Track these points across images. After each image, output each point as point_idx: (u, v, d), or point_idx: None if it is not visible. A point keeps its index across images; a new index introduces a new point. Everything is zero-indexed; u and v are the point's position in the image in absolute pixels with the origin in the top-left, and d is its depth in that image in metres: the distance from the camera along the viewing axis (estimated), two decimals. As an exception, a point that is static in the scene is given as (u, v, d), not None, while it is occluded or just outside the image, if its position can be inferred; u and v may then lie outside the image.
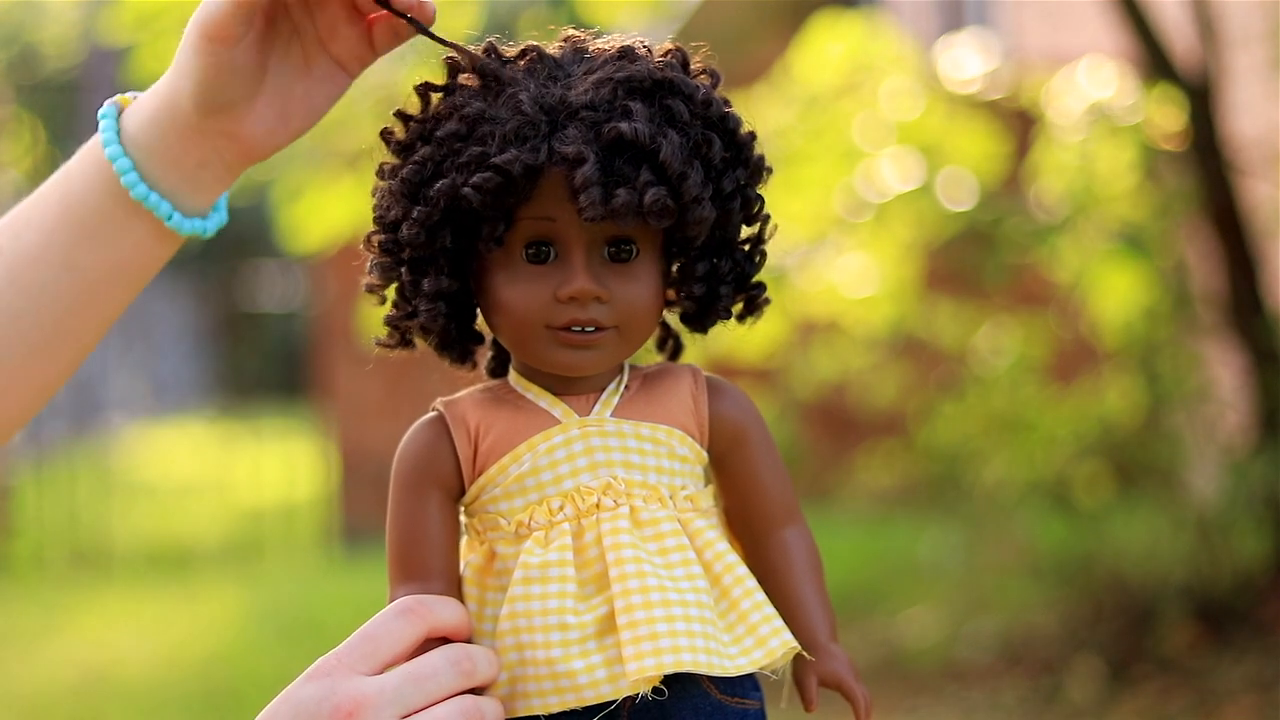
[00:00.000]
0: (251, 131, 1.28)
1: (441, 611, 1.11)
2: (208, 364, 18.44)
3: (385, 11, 1.23)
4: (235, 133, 1.28)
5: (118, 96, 1.30)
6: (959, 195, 4.96)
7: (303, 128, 1.31)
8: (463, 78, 1.17)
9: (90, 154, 1.30)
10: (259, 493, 9.64)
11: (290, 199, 5.13)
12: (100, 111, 1.29)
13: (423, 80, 1.18)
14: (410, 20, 1.21)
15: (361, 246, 1.22)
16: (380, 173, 1.18)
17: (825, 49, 5.06)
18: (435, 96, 1.17)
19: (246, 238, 13.54)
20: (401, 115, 1.18)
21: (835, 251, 5.07)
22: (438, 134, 1.13)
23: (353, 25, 1.27)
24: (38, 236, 1.30)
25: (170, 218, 1.28)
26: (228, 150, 1.29)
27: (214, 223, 1.33)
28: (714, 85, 1.17)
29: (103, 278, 1.30)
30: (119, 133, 1.28)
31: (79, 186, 1.29)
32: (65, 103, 16.75)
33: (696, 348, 1.31)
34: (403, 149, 1.16)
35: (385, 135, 1.18)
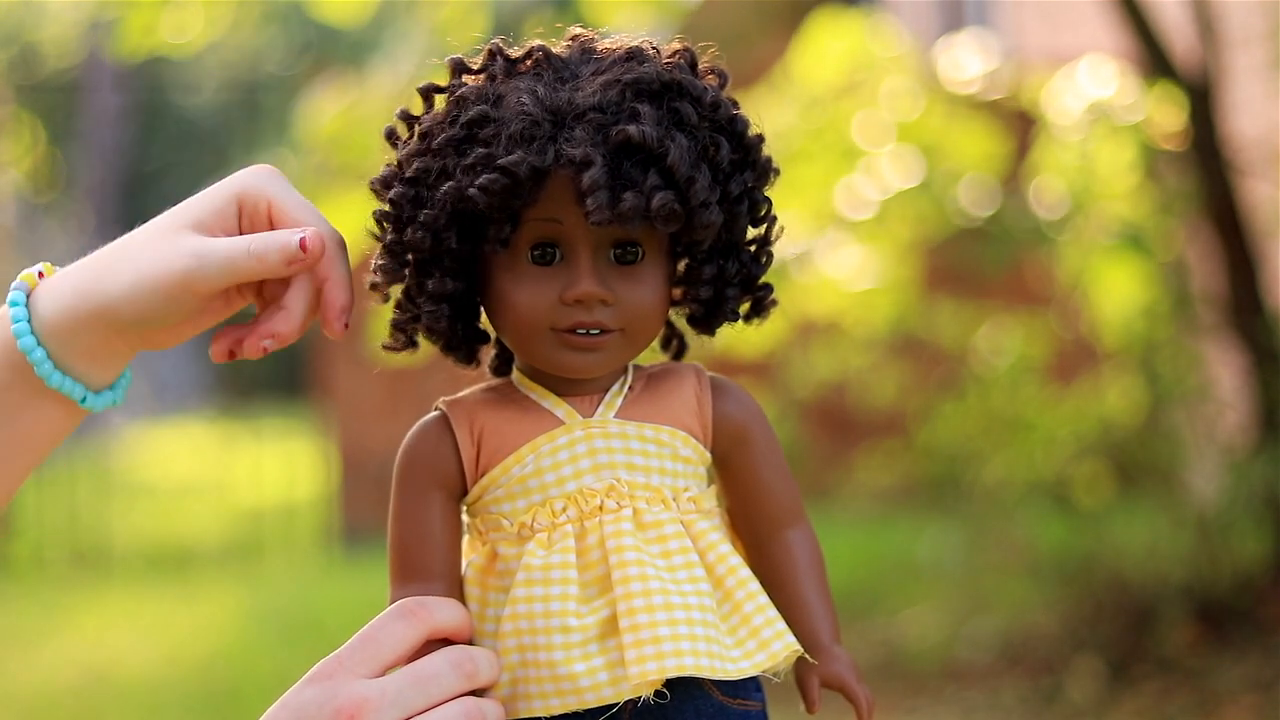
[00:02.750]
0: (170, 336, 1.29)
1: (442, 613, 1.11)
2: (208, 364, 18.42)
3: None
4: (154, 336, 1.27)
5: (24, 276, 1.27)
6: (959, 195, 4.96)
7: (212, 325, 1.32)
8: (468, 78, 1.16)
9: None
10: (259, 493, 9.64)
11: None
12: (10, 297, 1.26)
13: (428, 82, 1.18)
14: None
15: (368, 248, 1.21)
16: (384, 173, 1.17)
17: (825, 49, 5.06)
18: (439, 98, 1.17)
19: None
20: (406, 116, 1.18)
21: (835, 250, 5.07)
22: (443, 136, 1.13)
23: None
24: None
25: (84, 400, 1.27)
26: (143, 343, 1.28)
27: (120, 392, 1.32)
28: (722, 86, 1.17)
29: (5, 453, 1.28)
30: (30, 320, 1.25)
31: None
32: (65, 103, 16.75)
33: (698, 345, 1.31)
34: (408, 150, 1.16)
35: (390, 136, 1.18)
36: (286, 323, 1.24)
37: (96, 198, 16.14)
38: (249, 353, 1.24)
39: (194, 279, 1.21)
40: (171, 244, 1.24)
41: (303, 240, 1.21)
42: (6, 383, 1.26)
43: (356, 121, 5.03)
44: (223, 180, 1.27)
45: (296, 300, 1.24)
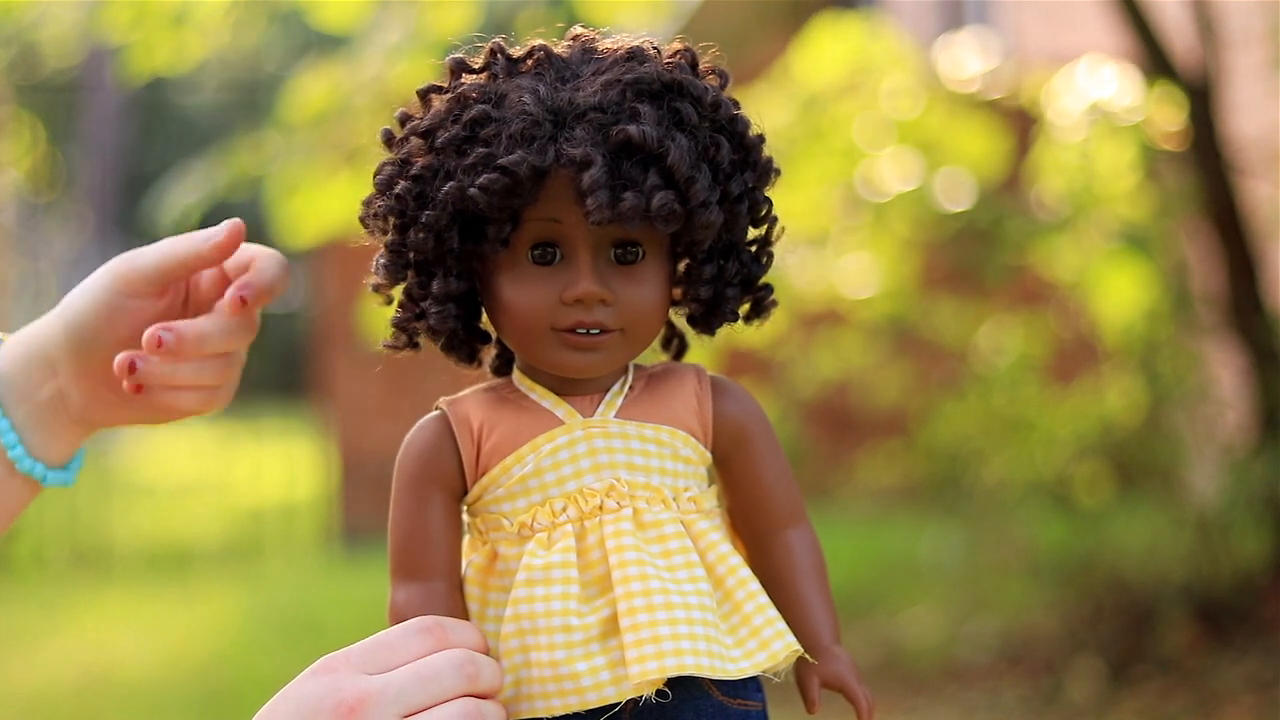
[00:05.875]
0: (98, 387, 1.33)
1: (459, 635, 1.11)
2: (207, 364, 18.42)
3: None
4: (87, 376, 1.33)
5: None
6: (959, 194, 4.96)
7: (140, 417, 1.38)
8: (468, 77, 1.16)
9: None
10: (259, 493, 9.64)
11: (286, 194, 5.13)
12: None
13: (427, 82, 1.18)
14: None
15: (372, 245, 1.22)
16: (383, 173, 1.17)
17: (825, 49, 5.06)
18: (437, 98, 1.17)
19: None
20: (404, 117, 1.18)
21: (835, 250, 5.08)
22: (443, 136, 1.13)
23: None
24: None
25: (45, 479, 1.35)
26: (73, 394, 1.33)
27: (73, 473, 1.38)
28: (722, 86, 1.17)
29: None
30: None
31: None
32: (65, 103, 16.74)
33: (699, 345, 1.31)
34: (407, 151, 1.15)
35: (387, 137, 1.18)
36: (184, 322, 1.30)
37: (96, 198, 16.13)
38: (146, 344, 1.28)
39: (128, 269, 1.30)
40: (102, 266, 1.33)
41: (228, 227, 1.31)
42: None
43: (342, 98, 5.03)
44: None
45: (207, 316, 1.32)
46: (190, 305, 1.37)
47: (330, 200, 4.83)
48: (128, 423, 1.37)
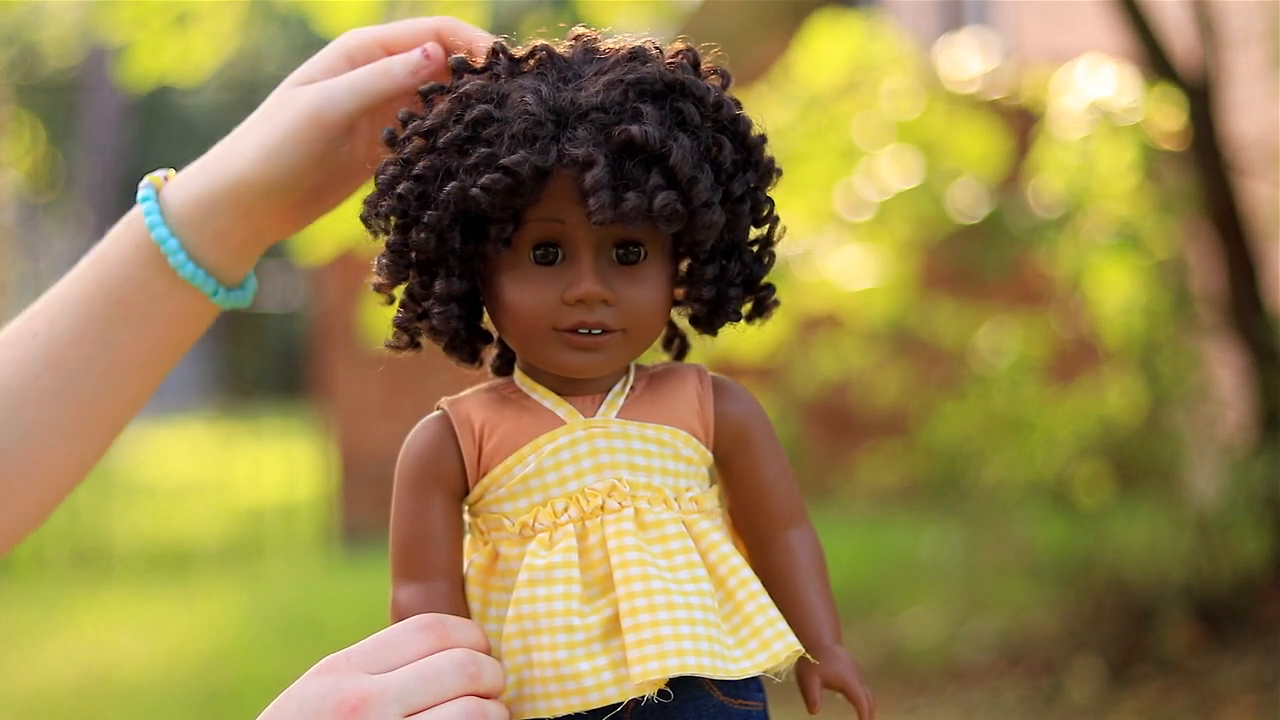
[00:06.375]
0: (298, 215, 1.32)
1: (460, 634, 1.11)
2: (208, 364, 18.43)
3: None
4: (286, 213, 1.30)
5: (151, 177, 1.32)
6: (959, 194, 4.96)
7: (330, 208, 1.35)
8: (469, 78, 1.16)
9: (127, 233, 1.31)
10: (259, 493, 9.64)
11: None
12: (140, 194, 1.30)
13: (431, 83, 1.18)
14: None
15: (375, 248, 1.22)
16: (386, 173, 1.16)
17: (825, 49, 5.06)
18: (440, 98, 1.17)
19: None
20: (407, 117, 1.18)
21: (835, 250, 5.08)
22: (446, 136, 1.13)
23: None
24: (75, 317, 1.32)
25: (215, 293, 1.31)
26: (270, 231, 1.32)
27: (249, 293, 1.36)
28: (724, 86, 1.17)
29: (140, 354, 1.32)
30: (163, 212, 1.29)
31: (117, 265, 1.31)
32: (65, 103, 16.75)
33: (699, 345, 1.31)
34: (410, 150, 1.15)
35: (389, 137, 1.18)
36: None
37: (96, 198, 16.13)
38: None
39: (321, 110, 1.23)
40: (290, 96, 1.26)
41: (426, 50, 1.23)
42: (142, 283, 1.30)
43: None
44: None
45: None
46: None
47: (344, 214, 4.81)
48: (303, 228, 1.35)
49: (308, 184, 1.28)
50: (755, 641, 1.13)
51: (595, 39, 1.17)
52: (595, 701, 1.11)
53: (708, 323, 1.20)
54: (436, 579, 1.16)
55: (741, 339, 1.23)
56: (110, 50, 11.64)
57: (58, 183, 16.15)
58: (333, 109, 1.24)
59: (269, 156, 1.26)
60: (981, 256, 5.02)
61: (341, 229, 4.88)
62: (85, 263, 1.33)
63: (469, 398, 1.19)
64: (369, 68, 1.25)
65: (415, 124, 1.16)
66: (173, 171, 1.32)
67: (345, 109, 1.24)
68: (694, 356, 1.27)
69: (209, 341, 18.37)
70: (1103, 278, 4.85)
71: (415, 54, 1.24)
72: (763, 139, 1.17)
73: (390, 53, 1.27)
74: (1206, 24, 4.78)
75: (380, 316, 1.21)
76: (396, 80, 1.24)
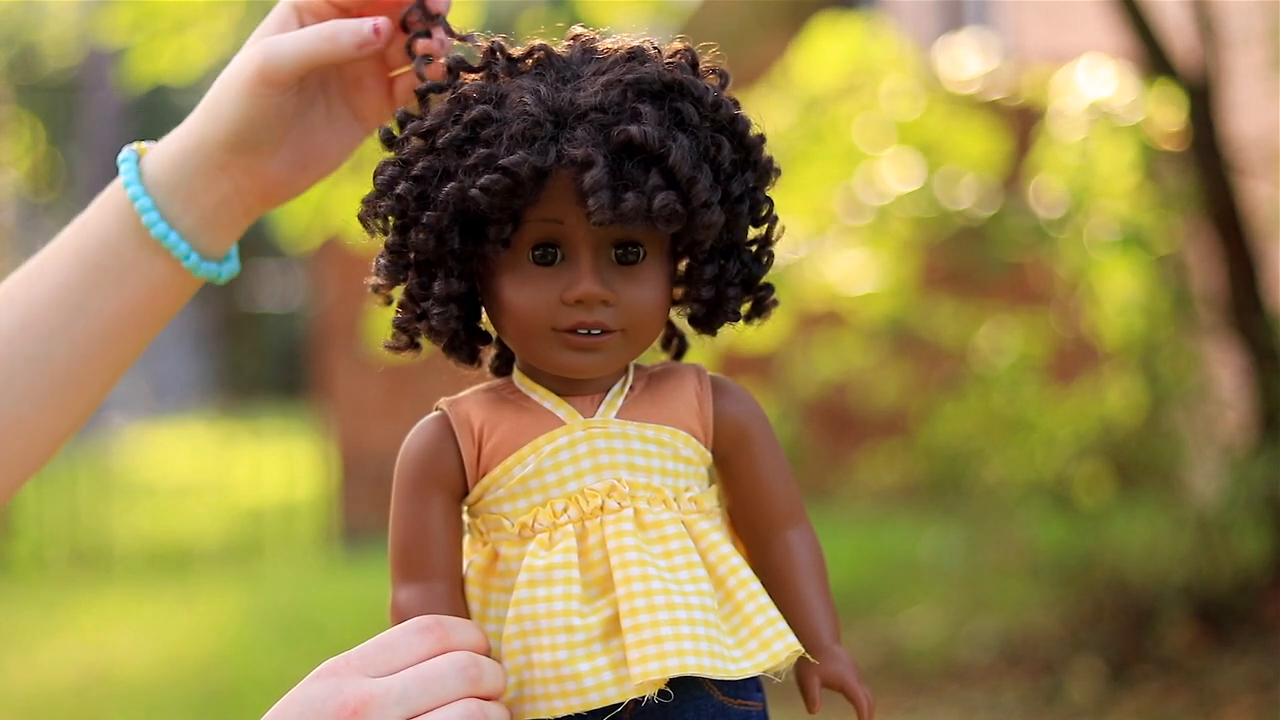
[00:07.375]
0: (273, 174, 1.32)
1: (459, 635, 1.11)
2: (208, 364, 18.44)
3: (408, 69, 1.27)
4: (257, 172, 1.31)
5: (134, 145, 1.33)
6: (959, 194, 4.96)
7: (317, 177, 1.36)
8: (467, 77, 1.16)
9: (108, 200, 1.33)
10: (259, 493, 9.64)
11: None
12: (120, 157, 1.32)
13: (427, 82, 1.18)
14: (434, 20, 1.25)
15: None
16: (385, 173, 1.17)
17: (825, 50, 5.06)
18: (437, 98, 1.17)
19: (246, 237, 13.48)
20: (405, 117, 1.18)
21: (835, 250, 5.08)
22: (444, 137, 1.12)
23: (377, 79, 1.32)
24: (52, 283, 1.33)
25: (188, 258, 1.32)
26: (247, 191, 1.32)
27: (227, 270, 1.37)
28: (723, 86, 1.17)
29: (117, 322, 1.33)
30: (140, 175, 1.31)
31: (95, 231, 1.32)
32: (65, 103, 16.74)
33: (700, 345, 1.31)
34: (408, 150, 1.15)
35: (387, 137, 1.18)
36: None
37: (96, 198, 16.11)
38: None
39: (267, 68, 1.24)
40: (242, 55, 1.28)
41: (376, 25, 1.24)
42: (117, 247, 1.31)
43: None
44: None
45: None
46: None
47: (337, 205, 4.83)
48: (296, 195, 1.36)
49: (267, 139, 1.29)
50: (755, 641, 1.13)
51: (593, 39, 1.17)
52: (595, 702, 1.10)
53: (706, 322, 1.20)
54: (436, 580, 1.16)
55: (741, 335, 1.23)
56: (109, 51, 11.64)
57: (58, 183, 16.14)
58: (276, 67, 1.25)
59: (222, 110, 1.28)
60: (982, 257, 5.02)
61: (329, 218, 4.88)
62: (66, 231, 1.35)
63: (468, 398, 1.19)
64: (316, 29, 1.25)
65: (413, 124, 1.16)
66: (156, 141, 1.35)
67: (288, 68, 1.25)
68: (697, 354, 1.27)
69: (209, 341, 18.39)
70: (1103, 278, 4.85)
71: (365, 27, 1.25)
72: (761, 139, 1.17)
73: (341, 10, 1.28)
74: (1206, 24, 4.78)
75: (381, 317, 1.21)
76: (341, 49, 1.25)
